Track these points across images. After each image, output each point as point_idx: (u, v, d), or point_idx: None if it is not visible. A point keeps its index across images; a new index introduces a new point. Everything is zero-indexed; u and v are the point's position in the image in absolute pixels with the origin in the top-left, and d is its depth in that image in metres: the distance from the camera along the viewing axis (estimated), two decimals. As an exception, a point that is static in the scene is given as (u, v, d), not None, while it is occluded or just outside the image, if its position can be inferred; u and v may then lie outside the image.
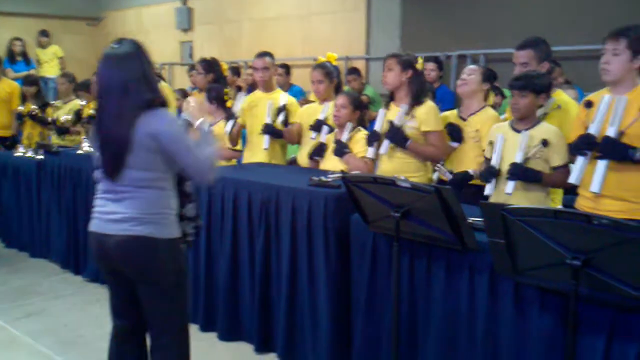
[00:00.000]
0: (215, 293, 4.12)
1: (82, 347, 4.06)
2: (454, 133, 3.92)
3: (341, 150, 4.12)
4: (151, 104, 2.60)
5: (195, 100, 3.00)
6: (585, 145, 3.01)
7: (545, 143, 3.33)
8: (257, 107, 4.91)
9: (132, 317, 2.81)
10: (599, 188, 2.98)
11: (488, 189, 3.48)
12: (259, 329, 3.86)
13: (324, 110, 4.50)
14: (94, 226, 2.74)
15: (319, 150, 4.37)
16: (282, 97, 4.88)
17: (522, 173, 3.34)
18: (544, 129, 3.41)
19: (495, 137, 3.51)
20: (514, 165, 3.35)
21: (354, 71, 7.84)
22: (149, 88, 2.63)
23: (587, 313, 2.35)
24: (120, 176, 2.61)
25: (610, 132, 2.96)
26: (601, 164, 2.98)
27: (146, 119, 2.57)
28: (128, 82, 2.59)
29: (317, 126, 4.46)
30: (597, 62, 3.12)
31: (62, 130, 6.64)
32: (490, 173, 3.47)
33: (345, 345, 3.45)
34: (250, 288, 3.92)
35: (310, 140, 4.52)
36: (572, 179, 3.08)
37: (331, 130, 4.40)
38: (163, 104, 2.67)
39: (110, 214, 2.67)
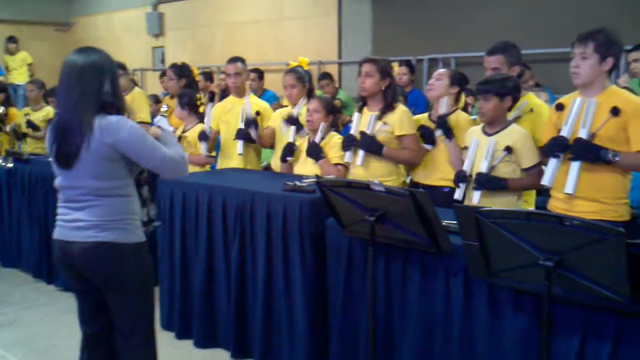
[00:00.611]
0: (191, 300, 4.09)
1: (55, 357, 4.01)
2: (427, 135, 3.94)
3: (317, 153, 4.12)
4: (106, 106, 2.60)
5: (154, 129, 3.02)
6: (557, 147, 3.05)
7: (509, 150, 3.36)
8: (230, 113, 4.90)
9: (101, 324, 2.81)
10: (573, 189, 3.02)
11: (457, 194, 3.51)
12: (236, 335, 3.84)
13: (296, 110, 4.51)
14: (58, 234, 2.75)
15: (288, 151, 4.37)
16: (246, 108, 4.74)
17: (486, 182, 3.37)
18: (513, 132, 3.43)
19: (470, 142, 3.54)
20: (478, 175, 3.38)
21: (326, 76, 7.85)
22: (107, 94, 2.62)
23: (560, 313, 2.38)
24: (73, 165, 2.59)
25: (582, 133, 3.00)
26: (574, 166, 3.02)
27: (104, 128, 2.56)
28: (83, 91, 2.59)
29: (291, 120, 4.45)
30: (567, 64, 3.16)
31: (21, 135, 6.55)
32: (460, 177, 3.50)
33: (323, 349, 3.45)
34: (226, 294, 3.90)
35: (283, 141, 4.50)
36: (545, 181, 3.11)
37: (300, 127, 4.39)
38: (119, 110, 2.66)
39: (73, 221, 2.67)
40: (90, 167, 2.59)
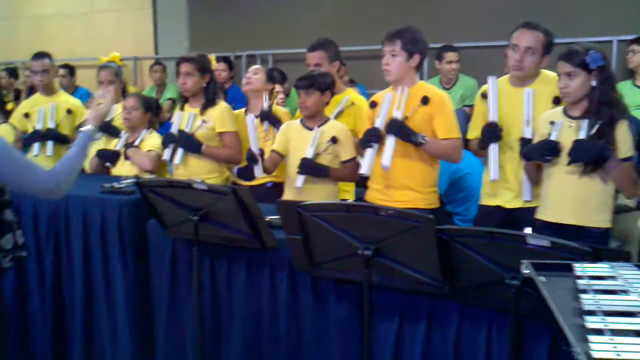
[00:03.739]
0: None
1: None
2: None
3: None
4: None
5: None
6: (372, 137, 3.18)
7: (334, 140, 3.48)
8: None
9: None
10: (389, 162, 3.13)
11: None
12: (53, 350, 3.62)
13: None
14: None
15: (107, 156, 4.19)
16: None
17: (311, 168, 3.46)
18: (333, 127, 3.55)
19: (287, 134, 3.62)
20: (304, 160, 3.47)
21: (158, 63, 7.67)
22: None
23: (380, 299, 2.49)
24: None
25: (397, 115, 3.16)
26: (390, 140, 3.14)
27: None
28: None
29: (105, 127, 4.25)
30: (377, 61, 3.32)
31: None
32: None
33: (149, 356, 3.35)
34: (41, 306, 3.64)
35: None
36: (363, 170, 3.23)
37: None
38: None
39: None
40: None
